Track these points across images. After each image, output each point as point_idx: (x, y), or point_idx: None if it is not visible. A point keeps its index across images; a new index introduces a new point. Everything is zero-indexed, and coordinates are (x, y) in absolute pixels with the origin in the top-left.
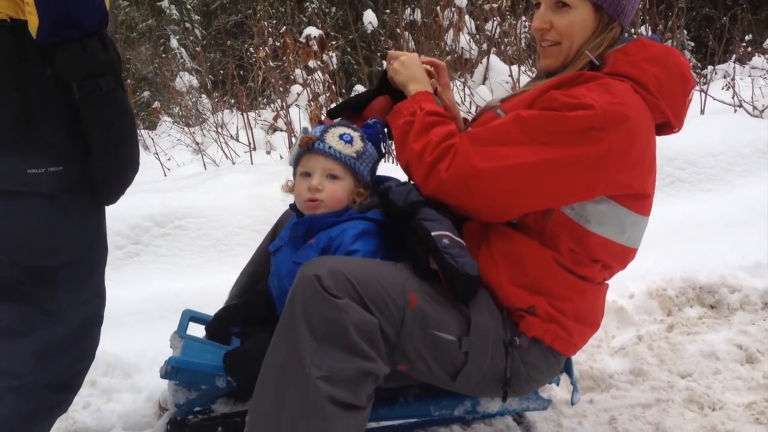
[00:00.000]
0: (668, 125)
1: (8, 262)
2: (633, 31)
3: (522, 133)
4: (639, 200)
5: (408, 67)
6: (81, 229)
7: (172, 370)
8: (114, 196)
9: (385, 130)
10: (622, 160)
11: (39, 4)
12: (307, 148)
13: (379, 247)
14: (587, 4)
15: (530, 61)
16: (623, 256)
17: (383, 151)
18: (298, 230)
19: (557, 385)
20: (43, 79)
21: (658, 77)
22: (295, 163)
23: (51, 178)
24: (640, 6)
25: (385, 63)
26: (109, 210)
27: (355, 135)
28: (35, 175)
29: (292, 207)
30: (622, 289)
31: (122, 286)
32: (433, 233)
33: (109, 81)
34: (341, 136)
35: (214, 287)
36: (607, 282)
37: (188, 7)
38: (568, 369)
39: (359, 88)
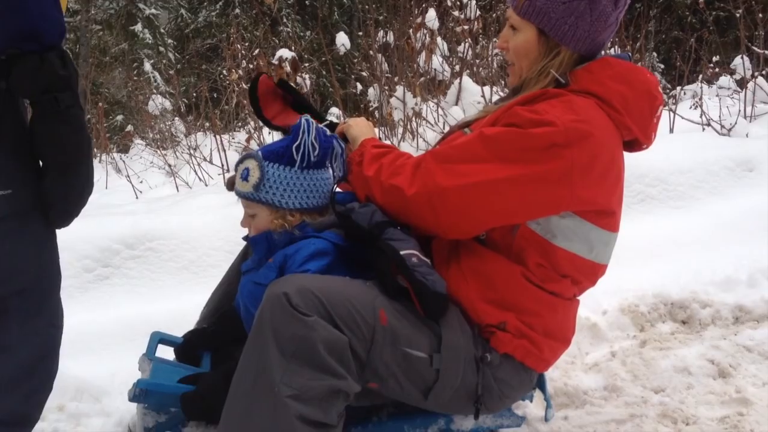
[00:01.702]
0: (637, 142)
1: None
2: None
3: (486, 150)
4: (605, 216)
5: (358, 125)
6: (32, 254)
7: (140, 393)
8: (69, 217)
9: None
10: (586, 176)
11: None
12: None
13: (331, 268)
14: (532, 28)
15: (502, 83)
16: (592, 272)
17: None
18: (259, 250)
19: (531, 401)
20: None
21: (623, 94)
22: None
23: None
24: None
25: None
26: (79, 233)
27: (252, 165)
28: None
29: (245, 238)
30: (595, 305)
31: (92, 309)
32: (401, 252)
33: (68, 97)
34: (241, 174)
35: (186, 309)
36: (578, 298)
37: (162, 31)
38: (541, 385)
39: (334, 110)
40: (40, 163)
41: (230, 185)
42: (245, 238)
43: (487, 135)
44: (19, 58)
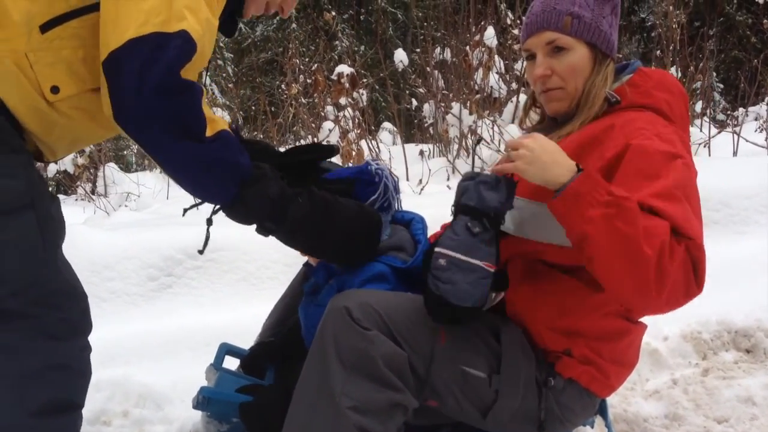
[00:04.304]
0: None
1: None
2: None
3: (689, 198)
4: None
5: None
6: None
7: (203, 401)
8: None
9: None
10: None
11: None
12: None
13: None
14: (582, 45)
15: None
16: None
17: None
18: (319, 277)
19: (591, 427)
20: None
21: (668, 101)
22: None
23: None
24: (671, 48)
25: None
26: (144, 242)
27: None
28: None
29: (305, 265)
30: (656, 331)
31: (155, 317)
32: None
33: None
34: None
35: (245, 320)
36: (645, 322)
37: (220, 44)
38: (602, 411)
39: (387, 125)
40: None
41: None
42: (306, 265)
43: (673, 187)
44: None
